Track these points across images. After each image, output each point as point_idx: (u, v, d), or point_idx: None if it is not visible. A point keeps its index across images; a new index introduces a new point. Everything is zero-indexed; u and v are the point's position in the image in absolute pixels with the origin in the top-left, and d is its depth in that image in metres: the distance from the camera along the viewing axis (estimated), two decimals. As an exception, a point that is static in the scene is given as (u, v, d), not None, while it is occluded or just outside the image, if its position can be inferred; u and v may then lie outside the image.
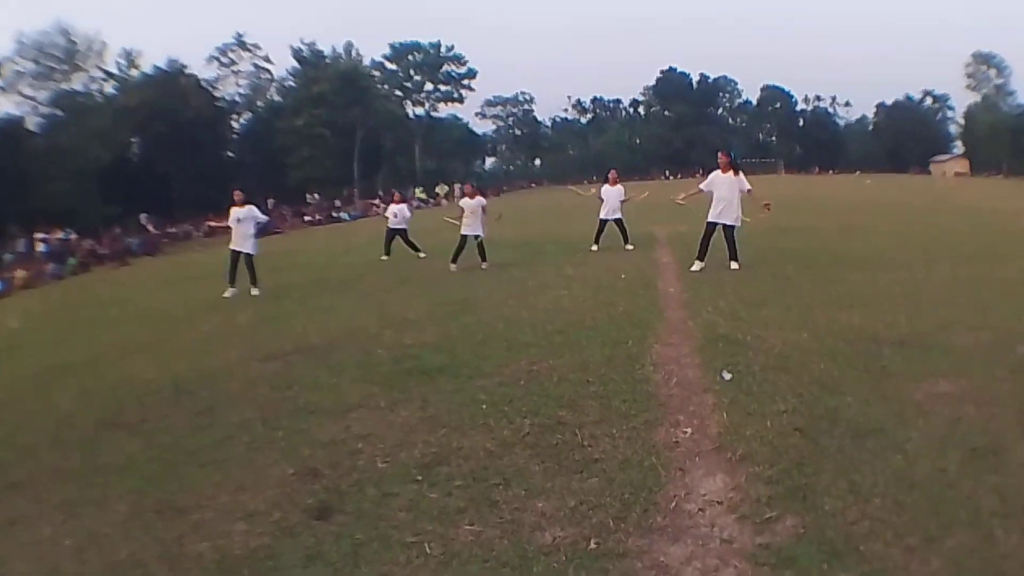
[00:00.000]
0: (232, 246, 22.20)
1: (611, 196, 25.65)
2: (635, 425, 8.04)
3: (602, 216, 25.59)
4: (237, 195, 22.55)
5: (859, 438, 7.34)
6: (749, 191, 19.04)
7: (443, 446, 7.90)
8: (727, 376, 9.41)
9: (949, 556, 5.37)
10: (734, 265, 18.67)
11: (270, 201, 71.58)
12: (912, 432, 7.42)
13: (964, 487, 6.25)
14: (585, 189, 25.67)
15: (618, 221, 25.49)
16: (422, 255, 27.29)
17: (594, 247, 25.13)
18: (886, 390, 8.74)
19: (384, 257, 27.96)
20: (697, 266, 18.83)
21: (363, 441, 8.30)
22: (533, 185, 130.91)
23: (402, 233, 28.59)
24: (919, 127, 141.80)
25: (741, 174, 19.11)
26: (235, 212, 22.29)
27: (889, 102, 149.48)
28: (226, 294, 21.57)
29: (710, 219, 19.05)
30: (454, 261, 22.93)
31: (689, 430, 7.84)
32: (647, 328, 12.54)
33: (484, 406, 9.03)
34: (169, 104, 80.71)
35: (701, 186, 19.59)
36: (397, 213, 28.98)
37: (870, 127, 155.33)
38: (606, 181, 26.28)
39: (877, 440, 7.28)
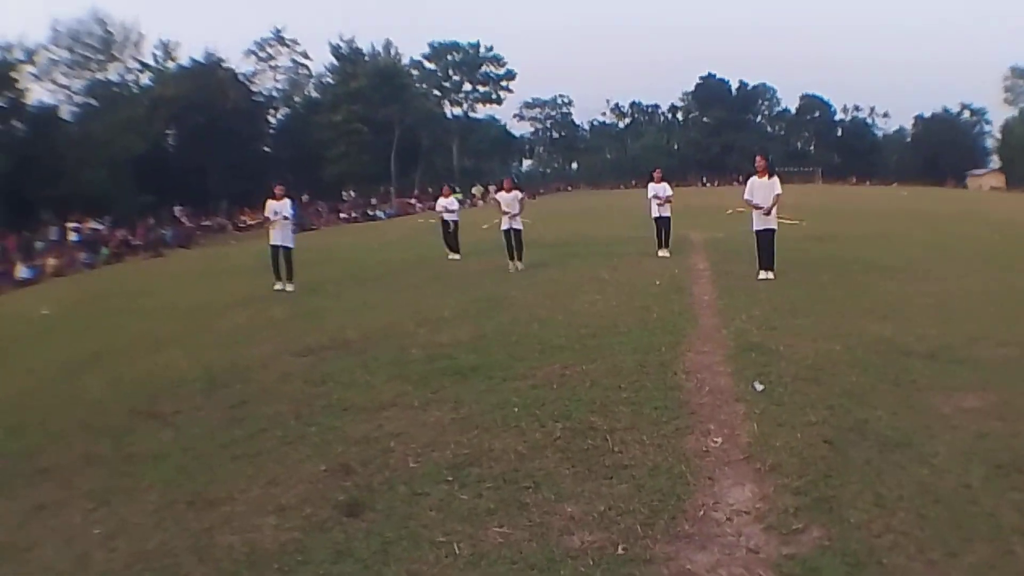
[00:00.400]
0: (273, 241, 22.09)
1: (660, 192, 24.87)
2: (666, 432, 8.10)
3: (655, 215, 24.94)
4: (278, 189, 22.51)
5: (886, 451, 7.38)
6: (778, 195, 18.90)
7: (474, 447, 7.98)
8: (759, 387, 9.44)
9: (969, 570, 5.42)
10: (771, 274, 18.55)
11: (304, 196, 71.76)
12: (938, 446, 7.46)
13: (987, 502, 6.28)
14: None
15: (666, 220, 24.82)
16: (457, 257, 27.26)
17: (660, 252, 24.42)
18: (914, 403, 8.78)
19: (454, 257, 27.79)
20: (762, 275, 18.66)
21: (395, 440, 8.38)
22: (569, 188, 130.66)
23: (455, 225, 28.49)
24: (956, 140, 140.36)
25: (776, 178, 19.11)
26: (273, 205, 22.16)
27: (927, 114, 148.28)
28: (277, 286, 21.59)
29: (757, 228, 19.04)
30: (511, 258, 22.87)
31: (719, 439, 7.89)
32: (680, 335, 12.59)
33: (516, 408, 9.10)
34: (205, 97, 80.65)
35: (746, 197, 19.32)
36: (448, 206, 28.96)
37: (908, 139, 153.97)
38: (651, 179, 25.58)
39: (904, 453, 7.33)
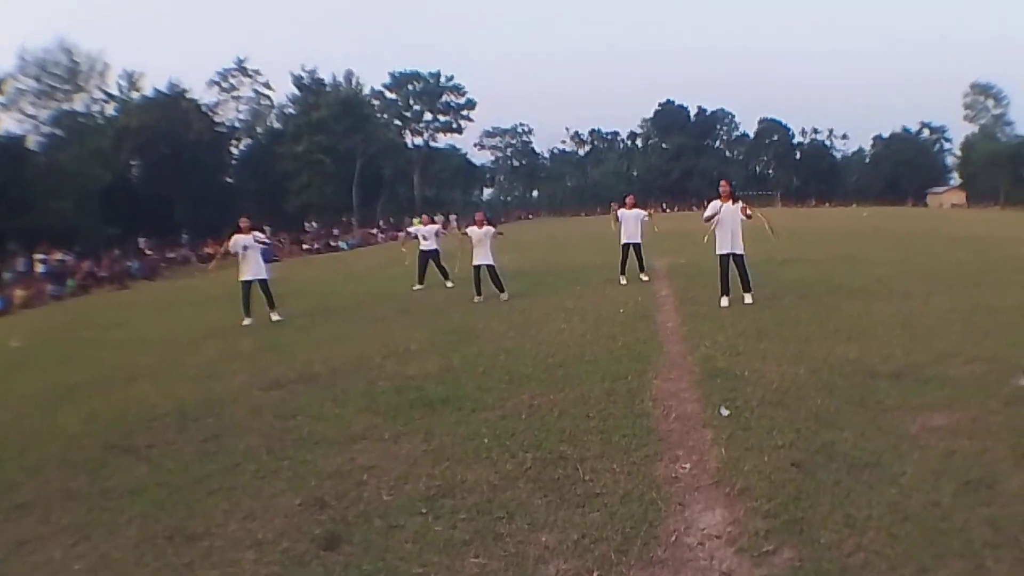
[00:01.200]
0: (244, 276, 21.67)
1: (629, 218, 24.81)
2: (635, 460, 8.20)
3: (624, 240, 24.78)
4: (244, 222, 21.85)
5: (855, 472, 7.49)
6: (749, 217, 18.67)
7: (447, 479, 8.04)
8: (725, 412, 9.56)
9: (942, 586, 5.52)
10: (748, 298, 18.46)
11: (266, 228, 71.55)
12: (907, 465, 7.57)
13: (957, 518, 6.39)
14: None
15: (637, 247, 24.69)
16: (449, 284, 26.90)
17: (623, 280, 24.43)
18: (882, 424, 8.88)
19: (418, 287, 27.32)
20: (725, 301, 18.49)
21: (368, 473, 8.43)
22: (531, 216, 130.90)
23: (434, 256, 27.92)
24: (916, 159, 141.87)
25: (740, 203, 18.82)
26: (241, 240, 21.59)
27: (886, 134, 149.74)
28: (246, 322, 21.16)
29: (720, 252, 18.80)
30: (478, 292, 22.73)
31: (688, 465, 8.00)
32: (646, 362, 12.71)
33: (487, 439, 9.18)
34: (170, 127, 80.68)
35: (709, 214, 18.96)
36: (427, 235, 28.29)
37: (867, 159, 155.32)
38: (622, 205, 25.40)
39: (873, 473, 7.44)
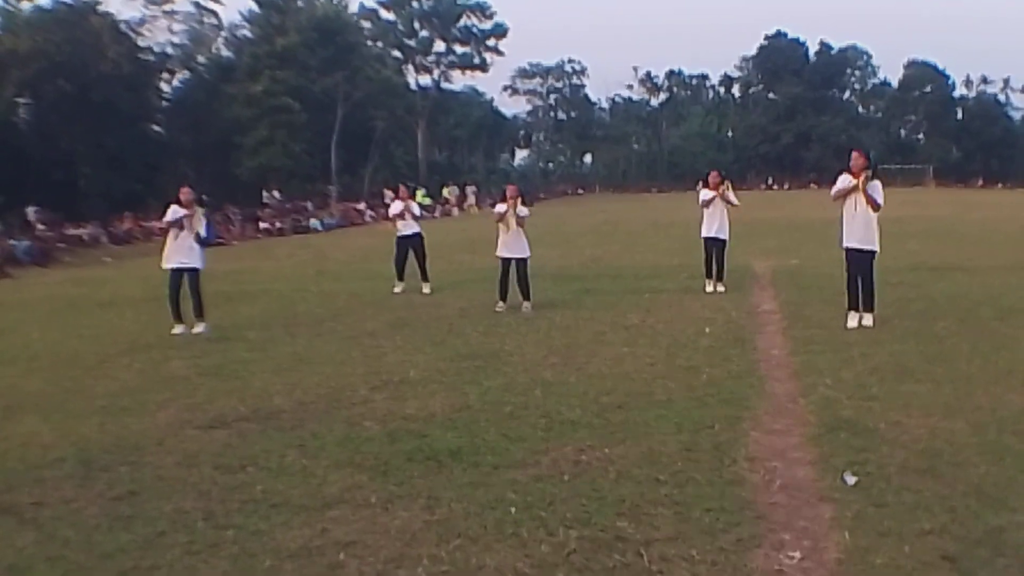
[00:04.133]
0: (170, 263, 21.34)
1: (714, 202, 24.82)
2: (723, 545, 8.13)
3: (704, 234, 25.01)
4: (185, 193, 21.55)
5: (1032, 572, 7.40)
6: (878, 205, 18.40)
7: (458, 563, 7.98)
8: (850, 480, 9.54)
9: None
10: (868, 320, 18.51)
11: (205, 198, 71.11)
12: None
13: None
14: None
15: (720, 245, 24.87)
16: (426, 290, 27.11)
17: (709, 286, 24.86)
18: (1072, 507, 8.78)
19: (397, 288, 27.40)
20: (854, 320, 18.62)
21: (346, 551, 8.37)
22: (581, 191, 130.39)
23: (416, 243, 27.66)
24: None
25: (878, 183, 18.65)
26: (180, 212, 21.29)
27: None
28: (177, 330, 21.09)
29: (847, 244, 18.68)
30: (503, 297, 22.90)
31: (797, 554, 7.93)
32: (741, 406, 12.71)
33: (514, 509, 9.13)
34: (74, 53, 79.19)
35: (840, 188, 18.63)
36: (406, 211, 27.79)
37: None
38: (705, 185, 25.43)
39: (1057, 577, 7.35)
